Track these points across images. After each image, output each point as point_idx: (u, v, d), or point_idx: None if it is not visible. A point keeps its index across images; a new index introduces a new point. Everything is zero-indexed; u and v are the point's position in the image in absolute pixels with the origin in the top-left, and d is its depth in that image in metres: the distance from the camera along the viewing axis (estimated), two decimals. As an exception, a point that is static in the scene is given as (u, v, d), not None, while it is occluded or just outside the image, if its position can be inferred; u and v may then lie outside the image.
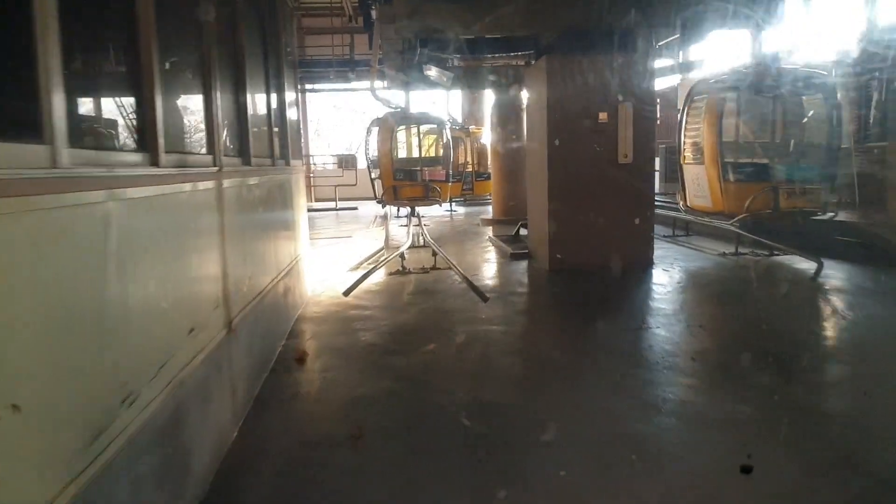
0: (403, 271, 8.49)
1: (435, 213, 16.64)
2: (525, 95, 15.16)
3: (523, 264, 9.08)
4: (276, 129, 6.41)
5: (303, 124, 25.94)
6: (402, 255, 8.53)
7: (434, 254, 8.84)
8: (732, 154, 8.29)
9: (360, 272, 8.44)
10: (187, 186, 3.38)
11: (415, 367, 4.90)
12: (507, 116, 14.39)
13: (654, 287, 7.40)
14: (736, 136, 8.46)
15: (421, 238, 11.28)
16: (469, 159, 18.88)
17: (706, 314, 6.51)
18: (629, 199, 8.24)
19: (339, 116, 36.79)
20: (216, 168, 3.94)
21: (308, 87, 25.20)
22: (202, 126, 3.98)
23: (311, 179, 19.85)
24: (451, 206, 17.76)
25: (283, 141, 6.79)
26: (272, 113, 6.25)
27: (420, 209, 14.68)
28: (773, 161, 7.99)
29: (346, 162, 23.54)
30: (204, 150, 3.94)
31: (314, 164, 26.60)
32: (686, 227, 10.71)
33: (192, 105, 4.06)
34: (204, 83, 3.93)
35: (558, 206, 8.26)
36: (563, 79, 8.12)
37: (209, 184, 3.79)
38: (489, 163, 19.12)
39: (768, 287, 7.37)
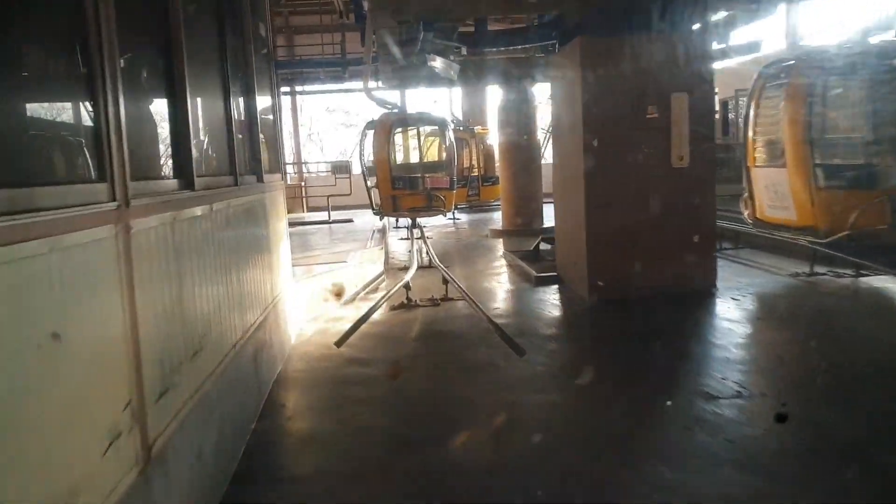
0: (409, 304, 6.95)
1: (437, 222, 15.09)
2: (534, 90, 13.68)
3: (553, 291, 7.55)
4: (241, 140, 4.89)
5: (294, 129, 24.37)
6: (406, 286, 6.99)
7: (445, 281, 7.30)
8: (827, 154, 6.70)
9: (356, 308, 6.91)
10: (37, 248, 1.85)
11: (439, 480, 3.35)
12: (518, 115, 12.85)
13: (727, 325, 5.85)
14: (828, 131, 6.86)
15: (426, 256, 9.74)
16: (474, 163, 17.34)
17: (822, 371, 4.94)
18: (685, 210, 6.71)
19: (333, 119, 35.25)
20: (115, 204, 2.39)
21: (298, 89, 23.69)
22: (90, 139, 2.43)
23: (303, 189, 18.29)
24: (454, 214, 16.19)
25: (254, 154, 5.26)
26: (235, 120, 4.71)
27: (422, 220, 13.17)
28: (886, 163, 6.40)
29: (340, 169, 22.00)
30: (92, 176, 2.40)
31: (307, 172, 25.06)
32: (736, 239, 9.17)
33: (66, 109, 2.53)
34: (91, 75, 2.37)
35: (599, 220, 6.74)
36: (603, 65, 6.59)
37: (98, 232, 2.25)
38: (496, 166, 17.61)
39: (886, 324, 5.84)
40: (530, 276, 8.26)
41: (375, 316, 6.52)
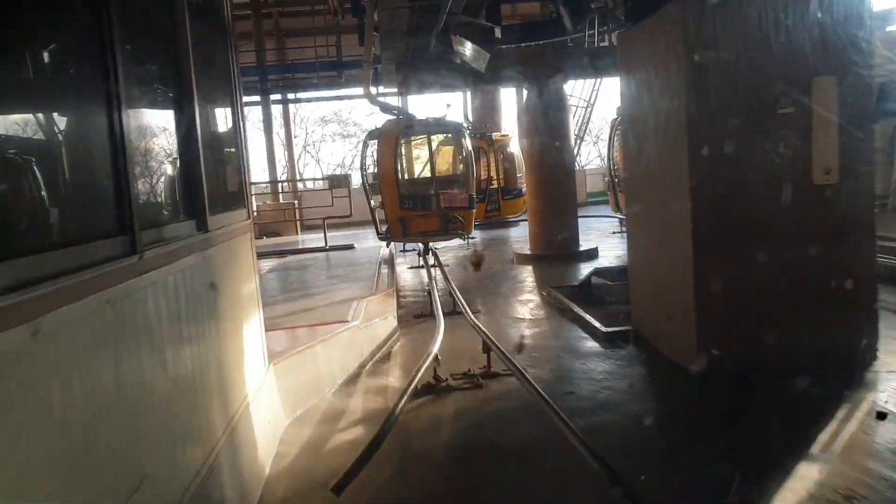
0: (438, 384, 4.89)
1: (451, 244, 12.99)
2: (564, 87, 11.64)
3: (634, 357, 5.48)
4: (177, 171, 2.88)
5: (287, 141, 22.35)
6: (436, 359, 4.90)
7: (485, 348, 5.22)
8: None
9: (362, 394, 4.85)
10: None
11: None
12: (546, 117, 10.81)
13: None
14: None
15: (448, 296, 7.68)
16: (494, 174, 15.28)
17: None
18: (832, 244, 4.65)
19: (330, 130, 33.22)
20: None
21: (291, 96, 21.69)
22: None
23: (296, 211, 16.20)
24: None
25: (191, 189, 3.22)
26: (129, 140, 2.64)
27: (436, 244, 11.11)
28: None
29: (338, 183, 19.93)
30: None
31: (303, 187, 23.01)
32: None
33: None
34: None
35: (711, 259, 4.68)
36: (713, 40, 4.55)
37: None
38: (518, 178, 15.53)
39: None
40: (593, 329, 6.19)
41: (390, 391, 4.47)
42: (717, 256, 4.69)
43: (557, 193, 10.93)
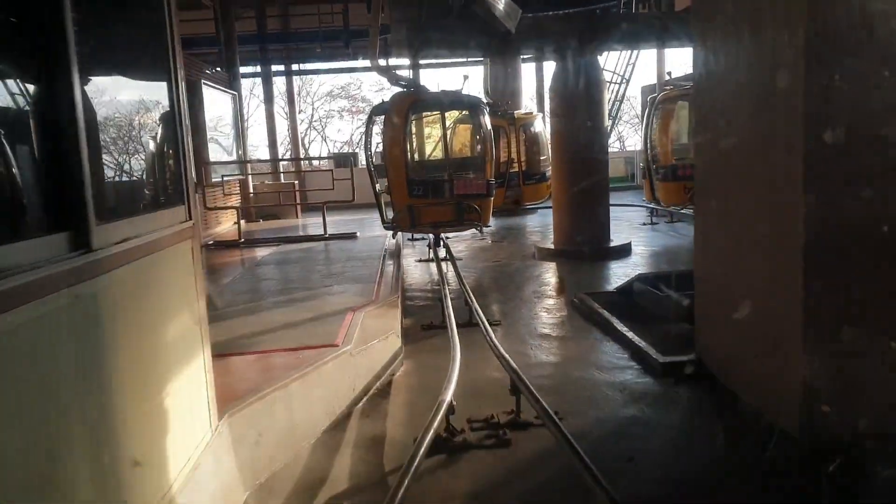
0: (452, 441, 3.69)
1: (464, 234, 11.70)
2: (595, 59, 10.31)
3: (706, 405, 4.24)
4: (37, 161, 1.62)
5: (290, 117, 21.02)
6: (449, 409, 3.67)
7: (514, 388, 4.00)
8: None
9: (349, 461, 3.65)
10: None
11: None
12: (578, 93, 9.47)
13: None
14: None
15: (462, 301, 6.47)
16: (515, 156, 13.90)
17: None
18: None
19: (337, 106, 31.83)
20: None
21: (295, 67, 20.32)
22: None
23: (296, 194, 14.93)
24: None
25: (67, 185, 1.96)
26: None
27: (448, 233, 9.90)
28: None
29: (343, 161, 18.67)
30: None
31: (308, 167, 21.72)
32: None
33: None
34: None
35: (829, 276, 3.40)
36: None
37: None
38: (541, 161, 14.15)
39: None
40: (644, 355, 4.95)
41: (388, 480, 3.28)
42: (838, 273, 3.42)
43: (587, 180, 9.62)
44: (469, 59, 19.51)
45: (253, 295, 6.81)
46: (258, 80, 22.07)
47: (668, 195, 12.03)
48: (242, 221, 13.77)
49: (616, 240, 9.98)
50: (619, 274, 8.35)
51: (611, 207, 10.19)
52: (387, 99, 9.67)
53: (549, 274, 8.89)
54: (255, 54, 17.35)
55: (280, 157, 19.45)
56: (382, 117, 9.58)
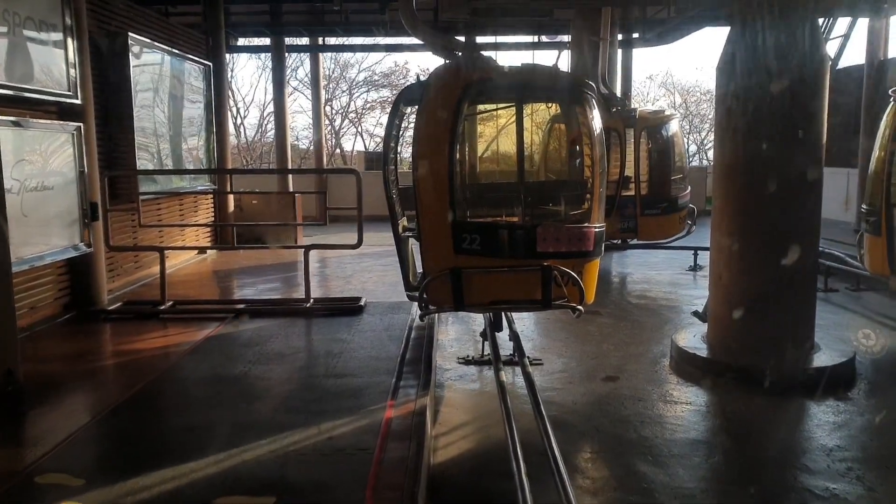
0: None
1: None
2: (816, 23, 5.93)
3: None
4: None
5: (314, 100, 16.89)
6: None
7: None
8: None
9: None
10: None
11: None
12: (779, 79, 5.10)
13: None
14: None
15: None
16: (634, 173, 9.30)
17: None
18: None
19: (379, 98, 27.77)
20: None
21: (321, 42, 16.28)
22: None
23: (296, 209, 10.71)
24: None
25: None
26: None
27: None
28: None
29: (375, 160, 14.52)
30: None
31: (337, 152, 17.62)
32: None
33: None
34: None
35: None
36: None
37: None
38: (673, 182, 9.52)
39: None
40: None
41: None
42: None
43: (785, 232, 5.29)
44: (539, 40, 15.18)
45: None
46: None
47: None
48: (212, 252, 9.78)
49: (825, 350, 5.54)
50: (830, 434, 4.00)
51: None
52: (430, 74, 5.46)
53: (709, 430, 4.58)
54: (263, 15, 13.39)
55: (289, 160, 15.28)
56: (422, 104, 5.32)
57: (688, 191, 9.89)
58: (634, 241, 9.87)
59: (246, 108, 29.74)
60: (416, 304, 6.28)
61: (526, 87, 5.46)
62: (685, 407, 4.82)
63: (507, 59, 5.80)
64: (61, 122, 6.11)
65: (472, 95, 5.33)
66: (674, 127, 9.83)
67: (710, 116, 27.62)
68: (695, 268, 9.85)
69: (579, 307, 4.99)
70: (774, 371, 5.08)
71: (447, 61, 5.63)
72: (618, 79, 13.00)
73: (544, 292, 4.98)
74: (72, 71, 6.07)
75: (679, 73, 48.63)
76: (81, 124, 6.21)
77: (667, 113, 10.20)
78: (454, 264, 4.95)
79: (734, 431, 4.49)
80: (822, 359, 5.34)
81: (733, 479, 3.74)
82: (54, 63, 5.96)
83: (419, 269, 5.53)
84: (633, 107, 9.47)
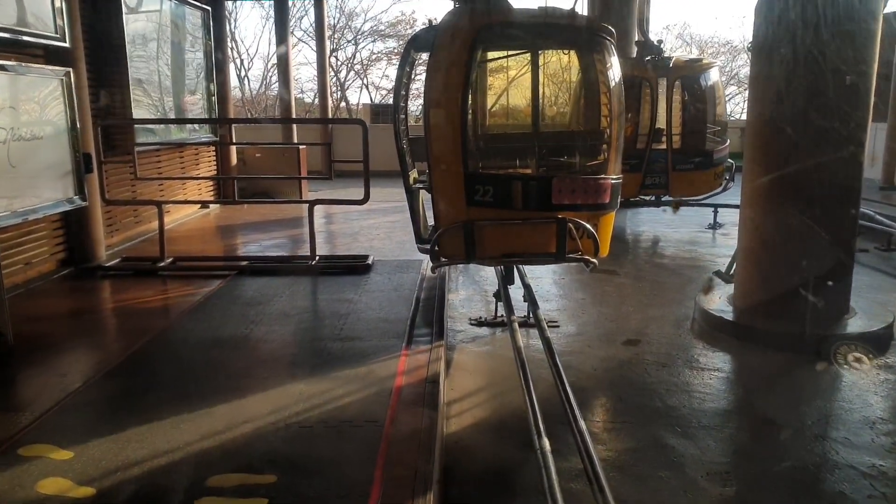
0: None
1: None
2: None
3: None
4: None
5: (319, 54, 16.36)
6: None
7: None
8: None
9: None
10: None
11: None
12: (832, 18, 4.66)
13: None
14: None
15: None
16: (666, 125, 8.75)
17: None
18: None
19: (385, 48, 26.97)
20: None
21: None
22: None
23: (300, 162, 10.34)
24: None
25: None
26: None
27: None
28: None
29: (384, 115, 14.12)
30: None
31: (342, 105, 17.16)
32: None
33: None
34: None
35: None
36: None
37: None
38: (707, 136, 8.90)
39: None
40: None
41: None
42: None
43: (823, 190, 4.93)
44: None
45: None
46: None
47: None
48: (215, 207, 9.48)
49: (861, 314, 5.21)
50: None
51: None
52: (440, 18, 5.04)
53: (735, 393, 4.31)
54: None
55: (294, 110, 14.89)
56: (428, 54, 4.94)
57: (726, 144, 9.32)
58: (666, 198, 9.31)
59: (250, 60, 29.06)
60: (425, 262, 6.04)
61: (543, 30, 5.06)
62: (713, 374, 4.54)
63: (523, 2, 5.30)
64: (51, 68, 5.74)
65: (486, 39, 4.95)
66: (713, 76, 9.19)
67: (727, 69, 26.74)
68: (714, 226, 9.46)
69: (593, 260, 4.76)
70: (808, 336, 4.80)
71: (459, 3, 5.20)
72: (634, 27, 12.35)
73: (558, 245, 4.72)
74: (57, 9, 5.66)
75: (696, 26, 47.15)
76: (70, 69, 5.83)
77: (705, 61, 9.56)
78: (467, 217, 4.65)
79: (767, 401, 4.21)
80: (859, 324, 5.03)
81: (769, 455, 3.47)
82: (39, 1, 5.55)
83: (430, 222, 5.25)
84: (668, 55, 8.86)
